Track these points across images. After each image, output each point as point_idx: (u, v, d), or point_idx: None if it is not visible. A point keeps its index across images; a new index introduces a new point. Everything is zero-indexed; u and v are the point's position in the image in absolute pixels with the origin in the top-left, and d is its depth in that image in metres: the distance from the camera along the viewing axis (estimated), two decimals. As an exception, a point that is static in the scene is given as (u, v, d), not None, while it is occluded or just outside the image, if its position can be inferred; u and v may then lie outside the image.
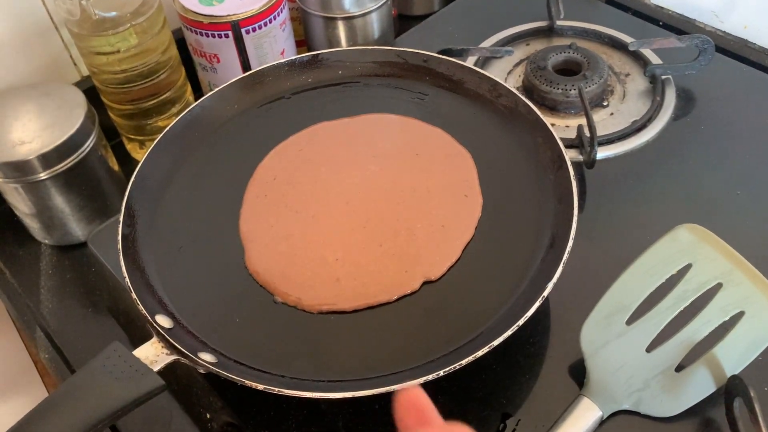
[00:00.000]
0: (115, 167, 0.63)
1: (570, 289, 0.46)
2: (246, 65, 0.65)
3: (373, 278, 0.47)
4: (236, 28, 0.62)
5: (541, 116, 0.53)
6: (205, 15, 0.61)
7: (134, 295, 0.44)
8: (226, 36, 0.63)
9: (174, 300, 0.47)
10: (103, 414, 0.37)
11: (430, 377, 0.39)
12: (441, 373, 0.39)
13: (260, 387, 0.39)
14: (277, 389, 0.39)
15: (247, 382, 0.39)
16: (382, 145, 0.56)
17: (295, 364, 0.43)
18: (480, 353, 0.39)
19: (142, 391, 0.38)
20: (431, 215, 0.50)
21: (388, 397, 0.39)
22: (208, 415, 0.48)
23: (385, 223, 0.50)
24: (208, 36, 0.63)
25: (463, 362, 0.39)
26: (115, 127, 0.68)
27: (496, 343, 0.40)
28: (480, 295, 0.46)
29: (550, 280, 0.42)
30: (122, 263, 0.46)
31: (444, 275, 0.47)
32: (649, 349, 0.44)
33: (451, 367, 0.39)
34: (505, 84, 0.57)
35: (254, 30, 0.63)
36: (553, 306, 0.51)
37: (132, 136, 0.68)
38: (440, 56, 0.60)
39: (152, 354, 0.41)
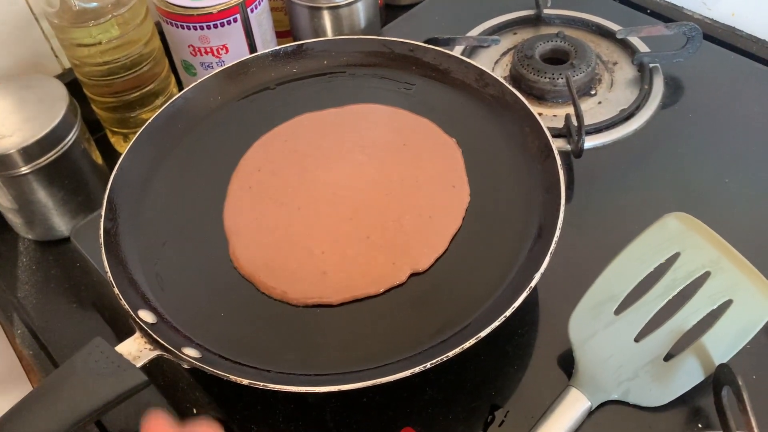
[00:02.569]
0: (99, 161, 0.63)
1: (558, 279, 0.46)
2: (252, 47, 0.65)
3: (360, 270, 0.47)
4: (243, 9, 0.62)
5: (528, 105, 0.52)
6: (213, 5, 0.60)
7: (117, 290, 0.43)
8: (235, 21, 0.62)
9: (157, 294, 0.46)
10: (86, 410, 0.36)
11: (417, 369, 0.38)
12: (428, 365, 0.38)
13: (245, 382, 0.39)
14: (262, 384, 0.39)
15: (232, 377, 0.39)
16: (368, 135, 0.56)
17: (282, 358, 0.43)
18: (467, 344, 0.39)
19: (125, 387, 0.38)
20: (419, 206, 0.50)
21: (376, 389, 0.39)
22: (194, 411, 0.47)
23: (372, 214, 0.50)
24: (217, 27, 0.62)
25: (451, 354, 0.39)
26: (99, 120, 0.67)
27: (483, 334, 0.39)
28: (468, 286, 0.46)
29: (537, 270, 0.42)
30: (104, 258, 0.45)
31: (432, 267, 0.47)
32: (637, 339, 0.44)
33: (439, 359, 0.39)
34: (492, 73, 0.56)
35: (256, 7, 0.63)
36: (541, 296, 0.50)
37: (115, 129, 0.67)
38: (427, 46, 0.60)
39: (135, 349, 0.40)
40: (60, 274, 0.60)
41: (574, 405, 0.43)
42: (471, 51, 0.69)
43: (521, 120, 0.53)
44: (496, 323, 0.40)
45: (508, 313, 0.40)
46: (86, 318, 0.56)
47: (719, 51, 0.68)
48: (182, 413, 0.48)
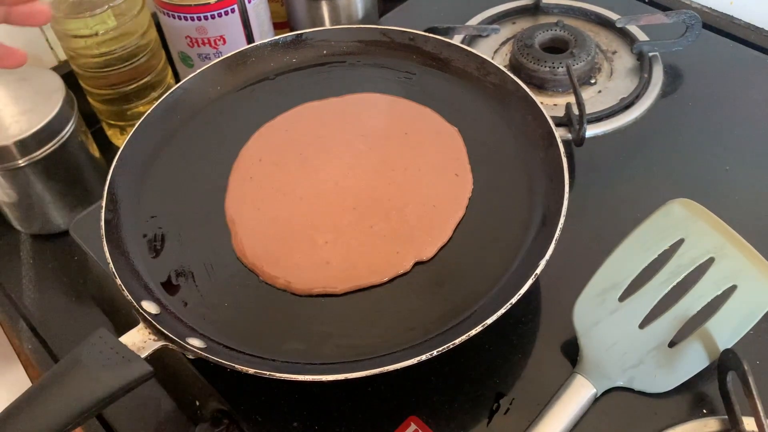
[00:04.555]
0: (96, 153, 0.62)
1: (560, 267, 0.46)
2: (250, 38, 0.65)
3: (364, 260, 0.46)
4: (241, 0, 0.62)
5: (531, 93, 0.52)
6: None
7: (119, 281, 0.43)
8: (232, 11, 0.62)
9: (160, 285, 0.46)
10: (90, 402, 0.36)
11: (423, 357, 0.38)
12: (434, 353, 0.38)
13: (251, 371, 0.38)
14: (268, 373, 0.38)
15: (237, 366, 0.39)
16: (370, 124, 0.55)
17: (286, 348, 0.43)
18: (473, 332, 0.39)
19: (130, 378, 0.37)
20: (422, 195, 0.50)
21: (381, 379, 0.39)
22: (197, 402, 0.47)
23: (375, 203, 0.49)
24: (215, 17, 0.62)
25: (457, 341, 0.39)
26: (95, 112, 0.67)
27: (489, 321, 0.39)
28: (472, 274, 0.46)
29: (542, 257, 0.42)
30: (106, 249, 0.45)
31: (436, 255, 0.47)
32: (642, 326, 0.44)
33: (444, 347, 0.38)
34: (493, 62, 0.56)
35: None
36: (543, 284, 0.50)
37: (112, 122, 0.67)
38: (427, 35, 0.59)
39: (139, 340, 0.40)
40: (58, 267, 0.59)
41: (580, 392, 0.43)
42: (470, 41, 0.69)
43: (523, 108, 0.53)
44: (503, 310, 0.40)
45: (514, 300, 0.40)
46: (86, 312, 0.56)
47: (718, 39, 0.69)
48: (185, 404, 0.47)
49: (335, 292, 0.45)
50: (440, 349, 0.38)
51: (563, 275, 0.49)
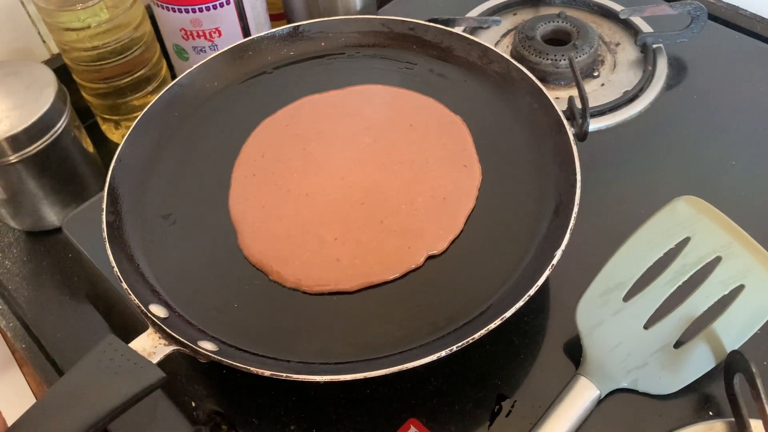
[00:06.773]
0: (90, 149, 0.61)
1: (563, 265, 0.45)
2: (246, 30, 0.64)
3: (374, 256, 0.45)
4: None
5: (536, 80, 0.51)
6: None
7: (125, 285, 0.41)
8: (227, 3, 0.61)
9: (167, 288, 0.45)
10: (105, 411, 0.35)
11: (443, 353, 0.37)
12: (454, 348, 0.37)
13: (267, 373, 0.37)
14: (285, 375, 0.37)
15: (252, 369, 0.38)
16: (373, 117, 0.54)
17: (299, 348, 0.42)
18: (492, 326, 0.38)
19: (144, 385, 0.36)
20: (432, 187, 0.49)
21: (380, 381, 0.38)
22: (193, 404, 0.46)
23: (383, 198, 0.48)
24: (209, 9, 0.60)
25: (476, 336, 0.38)
26: (89, 106, 0.66)
27: (508, 314, 0.38)
28: (486, 267, 0.45)
29: (558, 248, 0.41)
30: (109, 252, 0.43)
31: (448, 249, 0.46)
32: (647, 326, 0.44)
33: (464, 341, 0.38)
34: (496, 49, 0.55)
35: None
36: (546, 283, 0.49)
37: (107, 116, 0.66)
38: (427, 24, 0.58)
39: (150, 345, 0.39)
40: (52, 265, 0.58)
41: (583, 394, 0.42)
42: (471, 32, 0.68)
43: (528, 96, 0.52)
44: (520, 303, 0.39)
45: (532, 291, 0.39)
46: (80, 310, 0.55)
47: (723, 30, 0.67)
48: (181, 406, 0.46)
49: (347, 289, 0.44)
50: (459, 344, 0.38)
51: (566, 274, 0.47)
